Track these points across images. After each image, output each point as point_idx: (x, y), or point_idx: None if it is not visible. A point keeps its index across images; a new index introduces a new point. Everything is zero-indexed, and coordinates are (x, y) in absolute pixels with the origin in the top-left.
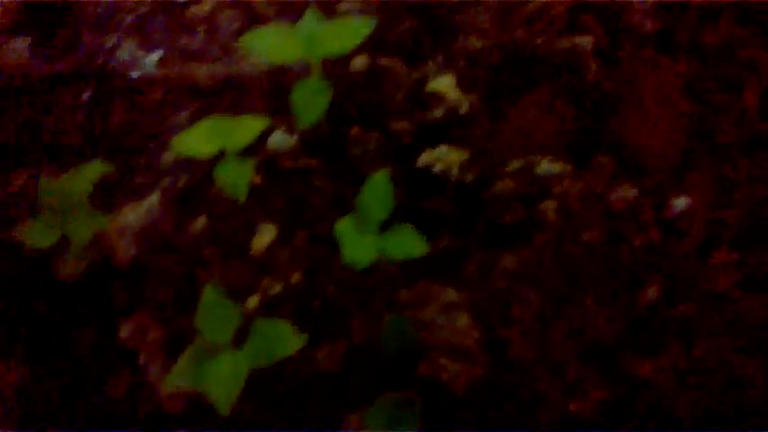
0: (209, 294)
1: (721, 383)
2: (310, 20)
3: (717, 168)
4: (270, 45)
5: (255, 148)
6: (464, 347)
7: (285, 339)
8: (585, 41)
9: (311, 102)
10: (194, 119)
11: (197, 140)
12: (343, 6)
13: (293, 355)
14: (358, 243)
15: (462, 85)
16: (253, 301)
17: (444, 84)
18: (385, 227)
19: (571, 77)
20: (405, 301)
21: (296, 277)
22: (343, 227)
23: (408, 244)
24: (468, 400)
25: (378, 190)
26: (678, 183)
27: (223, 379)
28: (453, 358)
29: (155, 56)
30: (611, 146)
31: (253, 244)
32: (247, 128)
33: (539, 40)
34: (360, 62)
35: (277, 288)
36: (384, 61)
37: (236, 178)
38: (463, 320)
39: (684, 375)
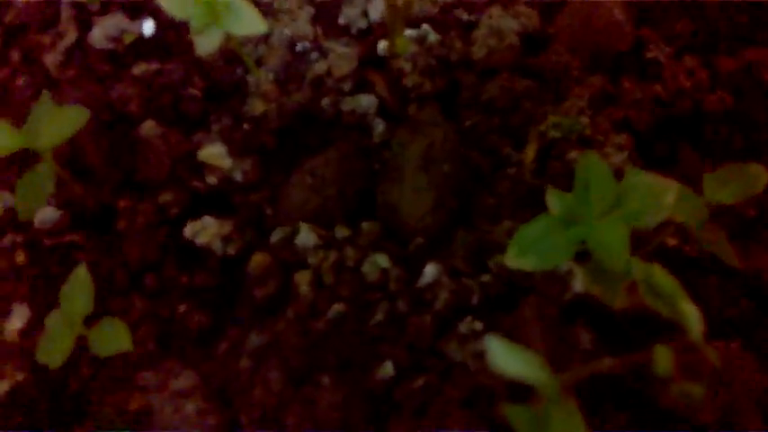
0: None
1: None
2: (39, 109)
3: (477, 231)
4: None
5: (25, 226)
6: None
7: None
8: (370, 102)
9: (34, 190)
10: None
11: None
12: None
13: None
14: (56, 340)
15: (239, 151)
16: (3, 387)
17: (216, 152)
18: (91, 320)
19: (358, 138)
20: (145, 384)
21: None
22: (49, 321)
23: (113, 339)
24: None
25: (78, 286)
26: (435, 249)
27: None
28: None
29: None
30: (381, 211)
31: (5, 328)
32: None
33: (325, 102)
34: (147, 128)
35: (23, 374)
36: (156, 130)
37: None
38: (197, 404)
39: None
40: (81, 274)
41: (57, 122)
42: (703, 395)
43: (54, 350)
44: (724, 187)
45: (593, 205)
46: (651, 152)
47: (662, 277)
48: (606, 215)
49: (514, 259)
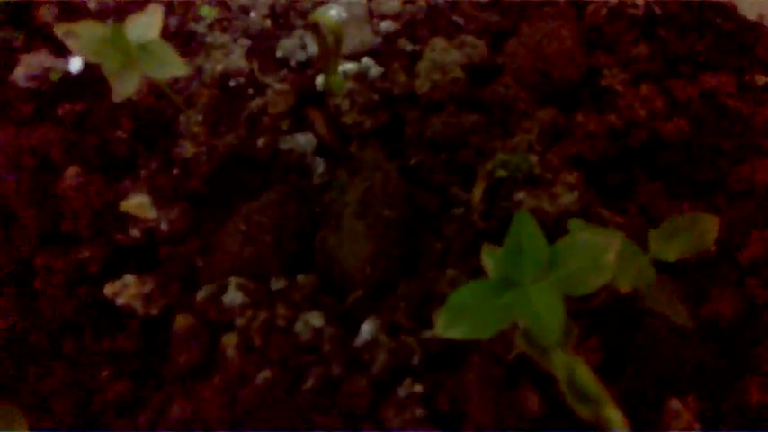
0: None
1: None
2: None
3: (422, 279)
4: None
5: None
6: None
7: None
8: (308, 140)
9: None
10: None
11: None
12: None
13: None
14: None
15: (166, 199)
16: None
17: (140, 202)
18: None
19: (297, 180)
20: None
21: None
22: None
23: (10, 426)
24: None
25: None
26: (375, 302)
27: None
28: None
29: None
30: (319, 260)
31: None
32: None
33: (260, 141)
34: (70, 177)
35: None
36: (79, 179)
37: None
38: None
39: None
40: None
41: None
42: None
43: None
44: (670, 243)
45: (526, 269)
46: (606, 185)
47: (585, 376)
48: (540, 280)
49: (446, 328)
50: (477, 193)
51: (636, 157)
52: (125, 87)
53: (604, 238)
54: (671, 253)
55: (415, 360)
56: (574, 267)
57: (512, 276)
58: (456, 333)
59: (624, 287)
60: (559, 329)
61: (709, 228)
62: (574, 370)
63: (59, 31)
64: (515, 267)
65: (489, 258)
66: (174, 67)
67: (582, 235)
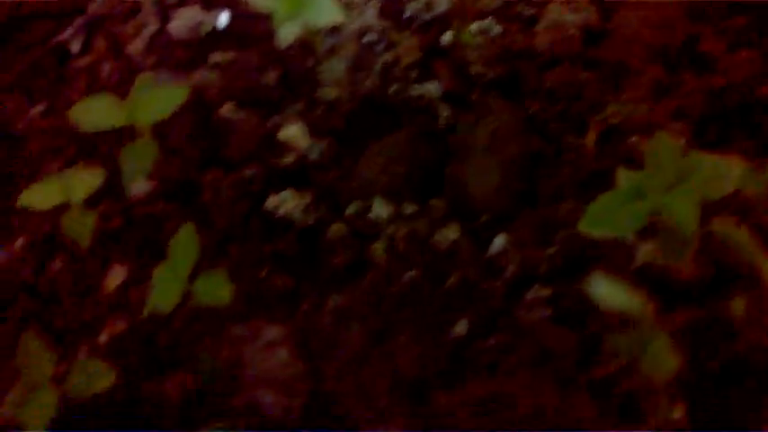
0: (27, 341)
1: (524, 411)
2: (139, 88)
3: (542, 210)
4: (96, 115)
5: (119, 196)
6: (282, 380)
7: (101, 376)
8: (435, 88)
9: (137, 163)
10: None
11: (40, 194)
12: None
13: (146, 381)
14: (165, 289)
15: (314, 132)
16: (103, 338)
17: (295, 132)
18: (195, 274)
19: (424, 122)
20: (236, 336)
21: (143, 314)
22: (157, 273)
23: (215, 291)
24: (286, 427)
25: (185, 241)
26: (501, 225)
27: (36, 409)
28: (272, 389)
29: (40, 107)
30: (449, 189)
31: (105, 284)
32: (86, 182)
33: (392, 89)
34: (227, 110)
35: (123, 325)
36: (236, 112)
37: (80, 227)
38: (283, 355)
39: (486, 403)
40: (189, 229)
41: (157, 101)
42: None
43: (164, 298)
44: None
45: (662, 179)
46: (706, 138)
47: (738, 232)
48: (675, 188)
49: (589, 226)
50: (591, 136)
51: (733, 116)
52: (290, 32)
53: (729, 158)
54: None
55: (542, 269)
56: (704, 178)
57: (648, 186)
58: (599, 230)
59: (750, 192)
60: (697, 220)
61: None
62: (727, 229)
63: None
64: (652, 178)
65: (624, 175)
66: (333, 14)
67: (709, 156)
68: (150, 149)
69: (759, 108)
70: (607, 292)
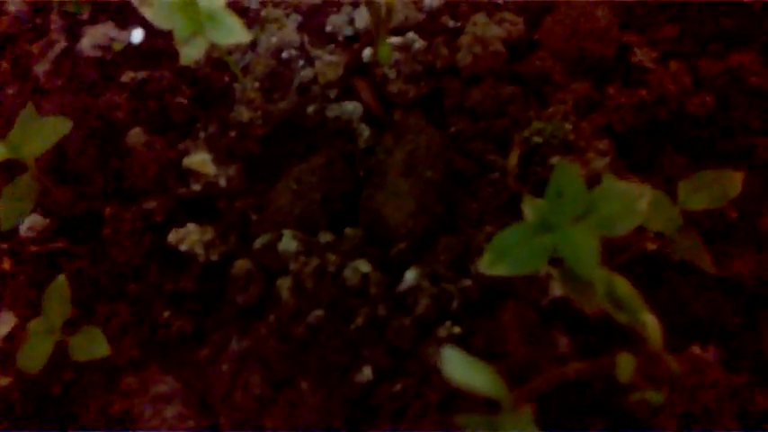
0: None
1: None
2: (22, 120)
3: (460, 235)
4: None
5: (10, 233)
6: None
7: None
8: (355, 108)
9: (18, 200)
10: None
11: None
12: None
13: None
14: (36, 346)
15: (227, 157)
16: None
17: (202, 158)
18: (71, 327)
19: (343, 144)
20: (128, 388)
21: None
22: (32, 327)
23: (91, 345)
24: None
25: (57, 295)
26: (417, 254)
27: None
28: None
29: None
30: (364, 216)
31: None
32: None
33: (310, 108)
34: (134, 135)
35: (8, 379)
36: (143, 137)
37: None
38: (177, 408)
39: None
40: (60, 281)
41: (40, 133)
42: (663, 401)
43: (33, 356)
44: (698, 193)
45: (565, 212)
46: (634, 155)
47: (623, 286)
48: (578, 222)
49: (489, 266)
50: (514, 157)
51: (663, 131)
52: (193, 52)
53: (638, 187)
54: (697, 202)
55: (455, 305)
56: (609, 211)
57: (552, 220)
58: (499, 270)
59: (655, 228)
60: (596, 262)
61: (733, 182)
62: (612, 282)
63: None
64: (555, 211)
65: (530, 206)
66: (238, 34)
67: (617, 184)
68: (32, 185)
69: (690, 122)
70: (459, 370)
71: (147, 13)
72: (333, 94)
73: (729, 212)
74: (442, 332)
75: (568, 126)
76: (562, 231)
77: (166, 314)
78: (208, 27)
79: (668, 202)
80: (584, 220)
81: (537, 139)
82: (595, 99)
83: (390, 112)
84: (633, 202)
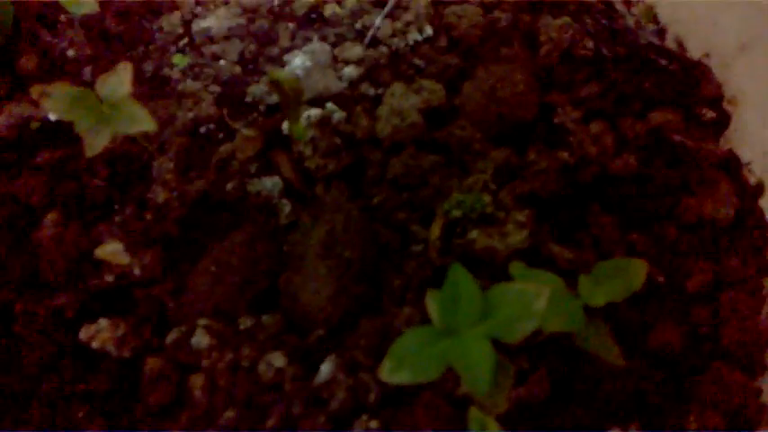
0: None
1: None
2: None
3: (383, 315)
4: None
5: None
6: None
7: None
8: (275, 183)
9: None
10: None
11: None
12: None
13: None
14: None
15: (140, 244)
16: None
17: (113, 248)
18: None
19: (264, 221)
20: None
21: None
22: None
23: None
24: None
25: None
26: (336, 340)
27: None
28: None
29: None
30: (283, 301)
31: None
32: None
33: (229, 185)
34: (48, 223)
35: None
36: (55, 228)
37: None
38: None
39: None
40: None
41: None
42: None
43: None
44: (599, 288)
45: (461, 318)
46: (559, 220)
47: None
48: (474, 327)
49: (390, 374)
50: (435, 231)
51: (587, 193)
52: (97, 143)
53: (535, 287)
54: (599, 298)
55: (372, 397)
56: (505, 315)
57: (449, 324)
58: (399, 378)
59: (553, 329)
60: (489, 380)
61: (638, 272)
62: (486, 426)
63: (35, 92)
64: (452, 316)
65: (434, 302)
66: (142, 123)
67: (514, 285)
68: None
69: (615, 182)
70: None
71: (47, 104)
72: (253, 168)
73: (656, 277)
74: (359, 426)
75: (487, 197)
76: (457, 339)
77: (80, 414)
78: (112, 117)
79: (569, 298)
80: (481, 326)
81: (457, 213)
82: (516, 165)
83: (311, 186)
84: (530, 304)
